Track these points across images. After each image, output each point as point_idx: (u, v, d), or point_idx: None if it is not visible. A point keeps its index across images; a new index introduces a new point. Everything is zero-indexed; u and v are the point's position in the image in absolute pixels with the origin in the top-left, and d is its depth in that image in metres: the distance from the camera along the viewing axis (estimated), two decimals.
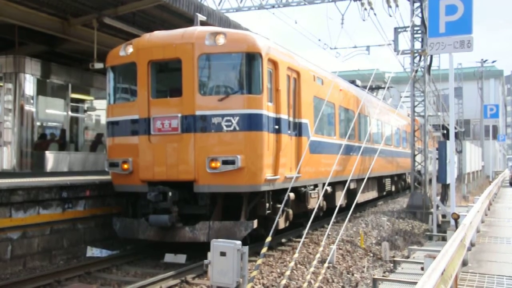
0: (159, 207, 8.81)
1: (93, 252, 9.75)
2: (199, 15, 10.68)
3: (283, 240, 10.97)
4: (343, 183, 12.36)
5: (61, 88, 15.99)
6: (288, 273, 7.87)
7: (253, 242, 9.25)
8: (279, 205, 9.35)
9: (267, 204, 9.26)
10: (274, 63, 9.32)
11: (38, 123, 15.29)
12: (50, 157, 14.81)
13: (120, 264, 9.02)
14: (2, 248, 8.29)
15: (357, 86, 17.11)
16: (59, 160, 15.14)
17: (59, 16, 13.13)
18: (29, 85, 14.54)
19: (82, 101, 17.21)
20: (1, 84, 14.46)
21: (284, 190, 9.37)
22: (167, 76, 9.80)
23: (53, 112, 16.17)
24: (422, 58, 17.95)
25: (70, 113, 16.31)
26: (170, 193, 8.72)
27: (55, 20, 13.22)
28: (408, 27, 18.04)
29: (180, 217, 8.95)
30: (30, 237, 8.79)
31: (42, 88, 15.26)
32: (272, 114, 9.17)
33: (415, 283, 4.92)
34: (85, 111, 17.43)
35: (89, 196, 10.02)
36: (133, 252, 9.96)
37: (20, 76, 14.29)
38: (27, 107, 14.51)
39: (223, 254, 6.44)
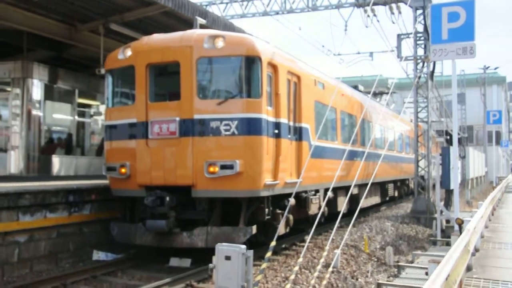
0: (157, 212, 8.63)
1: (99, 255, 9.80)
2: (198, 18, 10.37)
3: (287, 245, 10.99)
4: (345, 188, 12.31)
5: (68, 93, 16.15)
6: (292, 277, 7.88)
7: (251, 248, 9.20)
8: (278, 211, 9.21)
9: (267, 210, 9.05)
10: (273, 67, 9.13)
11: (45, 128, 15.43)
12: (57, 161, 14.95)
13: (126, 268, 9.06)
14: (10, 251, 8.38)
15: (360, 91, 17.13)
16: (66, 164, 15.27)
17: (67, 22, 13.30)
18: (37, 90, 14.71)
19: (89, 106, 17.38)
20: (9, 89, 14.63)
21: (284, 196, 9.24)
22: (166, 80, 9.61)
23: (60, 116, 16.32)
24: (425, 64, 17.98)
25: (76, 117, 16.47)
26: (167, 198, 8.54)
27: (63, 26, 13.39)
28: (411, 33, 18.11)
29: (177, 222, 8.77)
30: (37, 240, 8.87)
31: (49, 93, 15.41)
32: (272, 119, 8.97)
33: None
34: (91, 116, 17.58)
35: (95, 200, 10.08)
36: (138, 255, 10.00)
37: (28, 81, 14.46)
38: (34, 112, 14.66)
39: (228, 258, 6.46)
